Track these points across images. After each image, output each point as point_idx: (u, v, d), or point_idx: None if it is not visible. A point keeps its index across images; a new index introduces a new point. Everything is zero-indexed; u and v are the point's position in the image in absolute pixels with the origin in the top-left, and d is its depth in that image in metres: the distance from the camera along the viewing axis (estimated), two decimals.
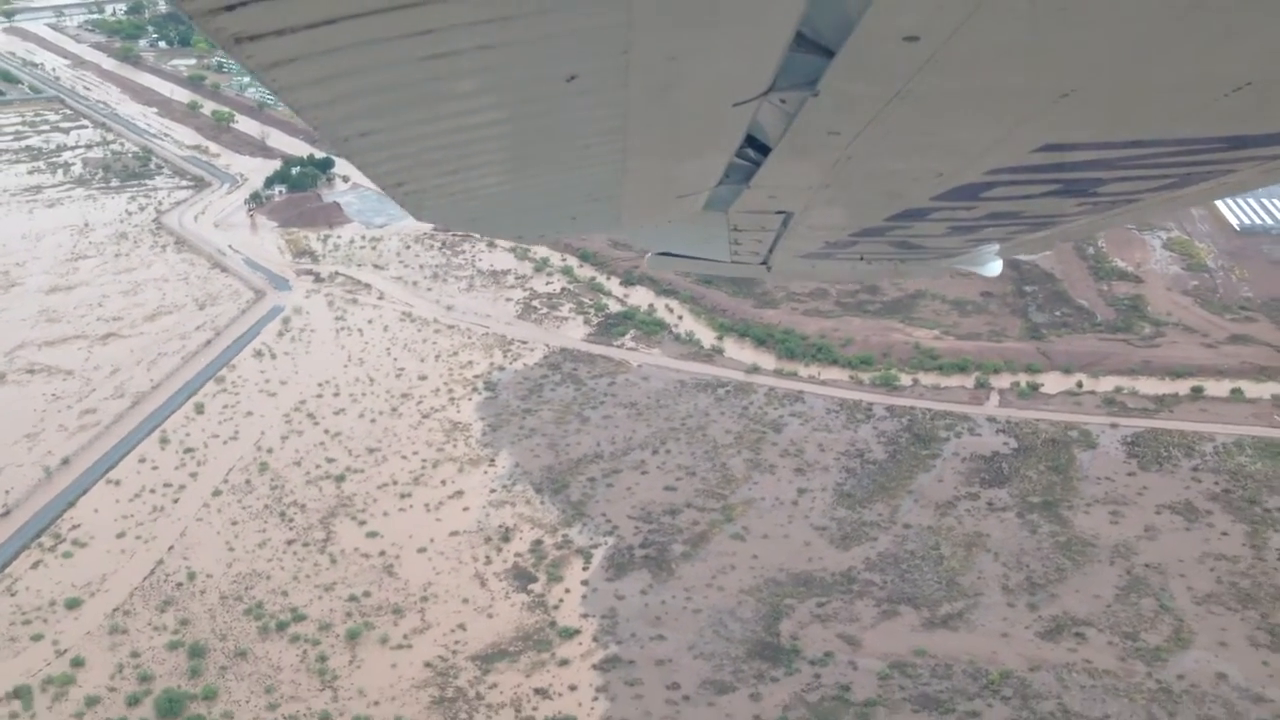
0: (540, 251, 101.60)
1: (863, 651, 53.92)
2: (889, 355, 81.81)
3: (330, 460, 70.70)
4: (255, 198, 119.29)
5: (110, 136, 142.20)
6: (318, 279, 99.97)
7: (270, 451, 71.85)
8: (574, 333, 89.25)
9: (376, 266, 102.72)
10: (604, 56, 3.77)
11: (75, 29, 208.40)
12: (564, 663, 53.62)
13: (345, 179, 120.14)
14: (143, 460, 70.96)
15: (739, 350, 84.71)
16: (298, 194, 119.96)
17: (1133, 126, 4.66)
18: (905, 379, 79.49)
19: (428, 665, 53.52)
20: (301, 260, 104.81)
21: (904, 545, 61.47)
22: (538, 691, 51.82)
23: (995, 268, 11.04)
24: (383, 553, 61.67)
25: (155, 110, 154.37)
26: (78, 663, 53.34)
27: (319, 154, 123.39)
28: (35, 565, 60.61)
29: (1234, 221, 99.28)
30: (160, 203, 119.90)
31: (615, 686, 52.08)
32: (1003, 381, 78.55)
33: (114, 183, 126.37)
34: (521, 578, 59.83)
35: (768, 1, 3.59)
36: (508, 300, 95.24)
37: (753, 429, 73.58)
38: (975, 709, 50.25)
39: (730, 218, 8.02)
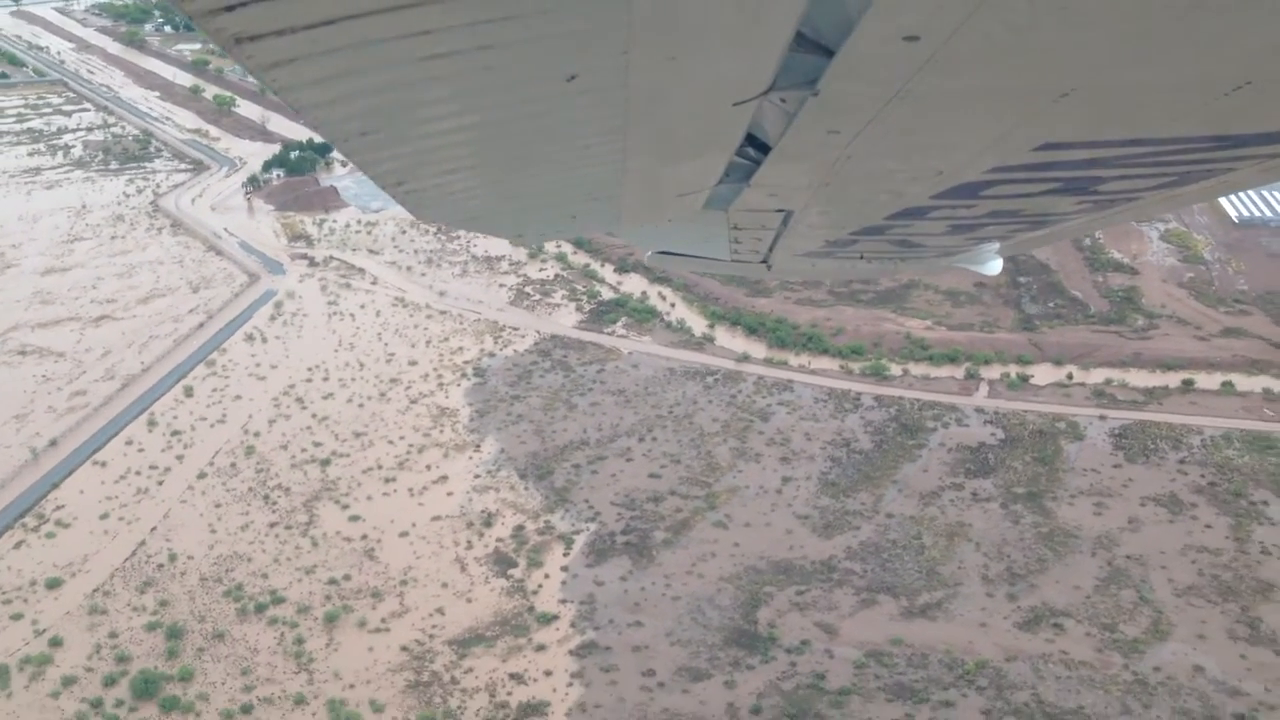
0: None
1: (840, 640, 53.82)
2: (880, 345, 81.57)
3: (316, 444, 70.83)
4: (253, 181, 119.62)
5: (111, 120, 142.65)
6: (312, 263, 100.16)
7: (257, 435, 72.04)
8: (566, 319, 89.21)
9: (371, 251, 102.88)
10: (604, 56, 3.77)
11: (82, 12, 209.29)
12: (541, 648, 53.64)
13: (343, 163, 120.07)
14: (130, 442, 71.22)
15: (730, 339, 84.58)
16: (295, 178, 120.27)
17: (1132, 126, 4.69)
18: (895, 369, 79.26)
19: (404, 649, 53.58)
20: (297, 244, 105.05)
21: (886, 535, 61.29)
22: (513, 676, 51.85)
23: (995, 266, 10.92)
24: (364, 536, 61.77)
25: (158, 94, 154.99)
26: (56, 642, 53.57)
27: (318, 139, 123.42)
28: (18, 545, 60.89)
29: (1233, 214, 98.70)
30: (158, 186, 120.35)
31: (590, 672, 52.07)
32: (993, 372, 78.28)
33: (113, 165, 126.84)
34: (502, 563, 59.85)
35: (768, 1, 3.58)
36: (501, 286, 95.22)
37: (740, 417, 73.44)
38: (949, 699, 50.07)
39: (730, 216, 8.04)
